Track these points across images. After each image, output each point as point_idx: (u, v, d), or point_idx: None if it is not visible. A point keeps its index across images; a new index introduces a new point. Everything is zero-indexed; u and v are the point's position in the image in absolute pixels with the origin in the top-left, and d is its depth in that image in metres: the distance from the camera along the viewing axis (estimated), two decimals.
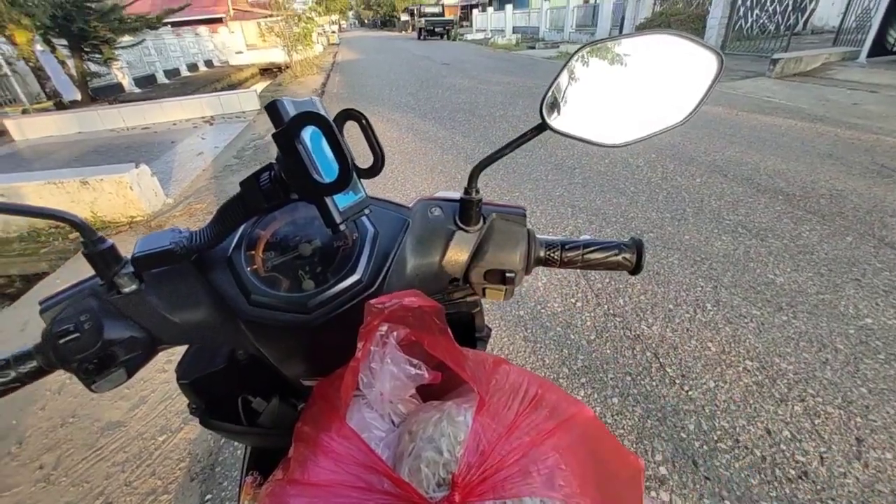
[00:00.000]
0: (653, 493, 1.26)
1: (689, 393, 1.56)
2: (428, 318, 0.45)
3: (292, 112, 0.32)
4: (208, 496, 1.33)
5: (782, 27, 8.95)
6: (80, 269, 2.68)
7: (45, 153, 5.76)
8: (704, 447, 1.38)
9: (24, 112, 7.66)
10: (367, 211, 0.39)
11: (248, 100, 7.40)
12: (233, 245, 0.43)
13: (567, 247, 0.52)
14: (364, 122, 0.39)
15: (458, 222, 0.50)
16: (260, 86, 11.89)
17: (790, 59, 7.12)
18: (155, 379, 1.74)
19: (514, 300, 2.11)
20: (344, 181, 0.32)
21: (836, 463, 1.32)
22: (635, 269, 0.52)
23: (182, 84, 12.22)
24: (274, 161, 0.34)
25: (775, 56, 7.22)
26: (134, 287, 0.40)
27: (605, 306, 2.04)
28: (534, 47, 15.89)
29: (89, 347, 0.38)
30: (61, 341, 0.37)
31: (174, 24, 13.86)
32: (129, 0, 9.37)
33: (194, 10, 18.53)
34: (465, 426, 0.41)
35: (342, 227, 0.35)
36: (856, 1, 7.73)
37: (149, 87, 11.70)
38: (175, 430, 1.53)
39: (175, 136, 6.05)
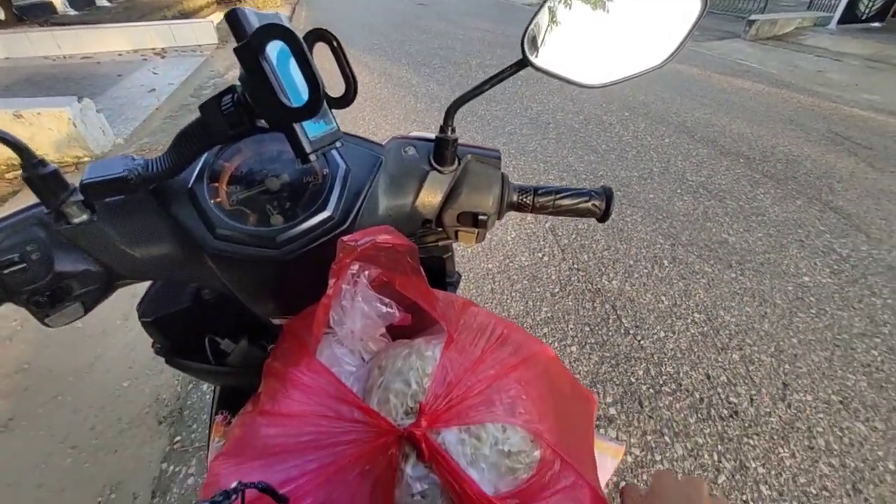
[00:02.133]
0: (602, 430, 1.38)
1: (641, 342, 1.68)
2: (401, 257, 0.45)
3: (256, 23, 0.30)
4: (177, 438, 1.34)
5: None
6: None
7: None
8: (650, 390, 1.51)
9: None
10: (338, 143, 0.38)
11: (203, 32, 6.74)
12: (194, 176, 0.41)
13: (540, 192, 0.53)
14: (335, 44, 0.36)
15: (433, 162, 0.49)
16: (217, 17, 10.75)
17: (765, 21, 7.12)
18: (116, 326, 1.69)
19: (484, 253, 2.15)
20: (314, 106, 0.30)
21: (764, 404, 1.48)
22: (603, 217, 0.53)
23: (126, 8, 10.89)
24: (237, 82, 0.32)
25: (752, 17, 7.20)
26: (85, 217, 0.37)
27: (570, 261, 2.11)
28: None
29: (39, 279, 0.36)
30: (6, 272, 0.35)
31: None
32: None
33: None
34: (433, 360, 0.43)
35: (312, 158, 0.33)
36: None
37: (86, 8, 10.39)
38: (140, 376, 1.52)
39: (121, 68, 5.48)
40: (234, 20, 0.30)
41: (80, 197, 0.36)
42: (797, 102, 4.27)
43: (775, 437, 1.38)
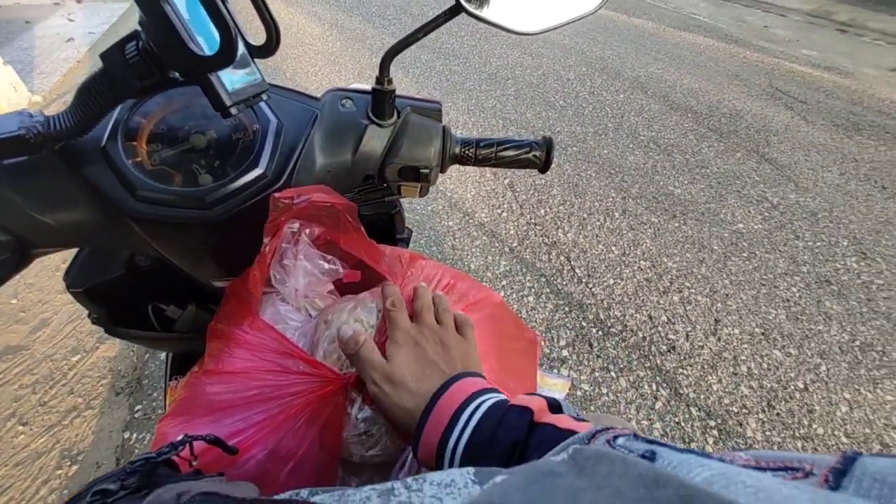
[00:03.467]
0: (555, 370, 1.48)
1: (593, 289, 1.79)
2: (342, 216, 0.45)
3: None
4: (138, 407, 1.33)
5: None
6: None
7: None
8: (599, 332, 1.62)
9: None
10: (264, 96, 0.36)
11: None
12: (106, 134, 0.38)
13: (482, 144, 0.53)
14: None
15: (371, 116, 0.48)
16: None
17: None
18: (55, 301, 1.59)
19: (444, 211, 2.16)
20: (228, 53, 0.28)
21: (697, 339, 1.63)
22: (544, 167, 0.54)
23: None
24: (138, 27, 0.30)
25: None
26: None
27: (528, 216, 2.16)
28: None
29: None
30: None
31: None
32: None
33: None
34: (376, 311, 0.44)
35: (234, 111, 0.32)
36: None
37: None
38: (89, 349, 1.46)
39: (29, 13, 4.79)
40: None
41: None
42: (743, 58, 4.39)
43: (706, 366, 1.54)
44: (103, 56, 0.30)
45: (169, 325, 0.57)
